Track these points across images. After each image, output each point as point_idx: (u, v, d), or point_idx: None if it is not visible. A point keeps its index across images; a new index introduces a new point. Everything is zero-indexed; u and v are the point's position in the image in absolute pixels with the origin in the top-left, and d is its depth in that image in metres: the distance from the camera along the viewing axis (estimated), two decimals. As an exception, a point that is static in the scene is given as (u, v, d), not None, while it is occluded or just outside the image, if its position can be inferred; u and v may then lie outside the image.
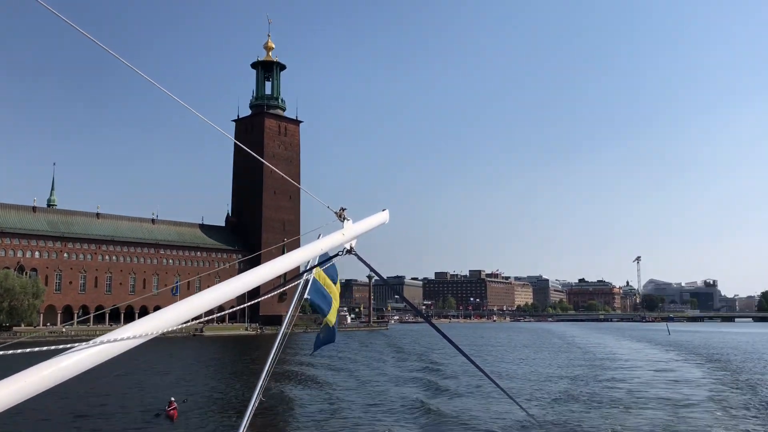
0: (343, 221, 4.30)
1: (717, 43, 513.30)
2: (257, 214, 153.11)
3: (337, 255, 4.36)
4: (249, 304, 4.20)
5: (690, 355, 69.85)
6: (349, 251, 4.35)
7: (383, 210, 4.83)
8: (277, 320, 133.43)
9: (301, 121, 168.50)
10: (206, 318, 3.32)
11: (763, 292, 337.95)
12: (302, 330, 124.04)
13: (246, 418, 3.96)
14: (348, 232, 4.25)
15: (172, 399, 31.45)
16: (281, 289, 4.21)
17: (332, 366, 56.15)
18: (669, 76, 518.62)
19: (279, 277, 3.84)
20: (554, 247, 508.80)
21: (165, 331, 2.87)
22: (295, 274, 4.50)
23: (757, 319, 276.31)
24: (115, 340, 2.63)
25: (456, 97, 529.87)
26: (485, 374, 4.87)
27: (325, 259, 4.36)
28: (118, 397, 36.51)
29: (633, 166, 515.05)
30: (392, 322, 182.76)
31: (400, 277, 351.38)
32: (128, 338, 2.68)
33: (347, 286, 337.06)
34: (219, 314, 5.06)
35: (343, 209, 4.35)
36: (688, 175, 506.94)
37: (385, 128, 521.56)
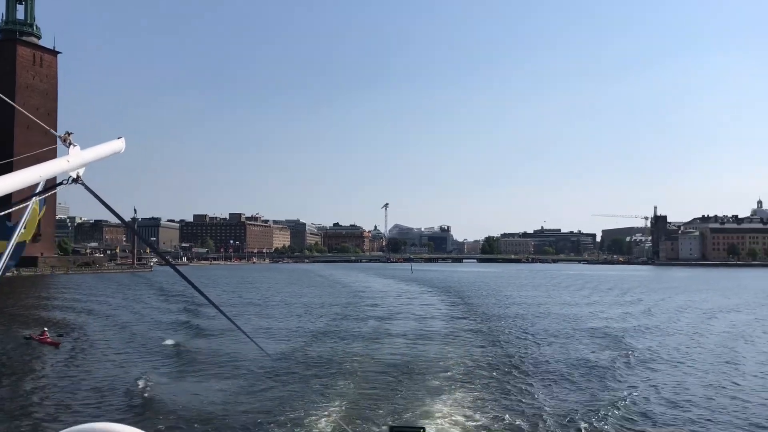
0: (68, 146, 3.81)
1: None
2: (7, 151, 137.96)
3: (61, 183, 3.84)
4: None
5: (430, 288, 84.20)
6: (75, 180, 3.83)
7: (119, 138, 4.40)
8: (31, 261, 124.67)
9: (59, 52, 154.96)
10: None
11: (486, 237, 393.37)
12: (63, 272, 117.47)
13: None
14: (74, 159, 3.78)
15: (45, 329, 32.77)
16: None
17: (89, 310, 53.49)
18: (435, 27, 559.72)
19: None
20: (311, 193, 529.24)
21: None
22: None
23: (480, 260, 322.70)
24: None
25: (225, 29, 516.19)
26: (223, 314, 4.64)
27: (49, 186, 3.87)
28: None
29: (383, 119, 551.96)
30: (151, 264, 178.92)
31: (156, 218, 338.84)
32: None
33: (96, 227, 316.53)
34: None
35: (68, 133, 3.84)
36: (432, 132, 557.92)
37: (148, 59, 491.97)
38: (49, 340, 31.80)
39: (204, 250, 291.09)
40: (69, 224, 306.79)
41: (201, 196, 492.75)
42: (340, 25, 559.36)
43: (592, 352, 30.94)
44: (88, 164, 3.89)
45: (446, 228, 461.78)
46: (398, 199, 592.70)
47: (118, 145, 4.29)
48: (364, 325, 41.71)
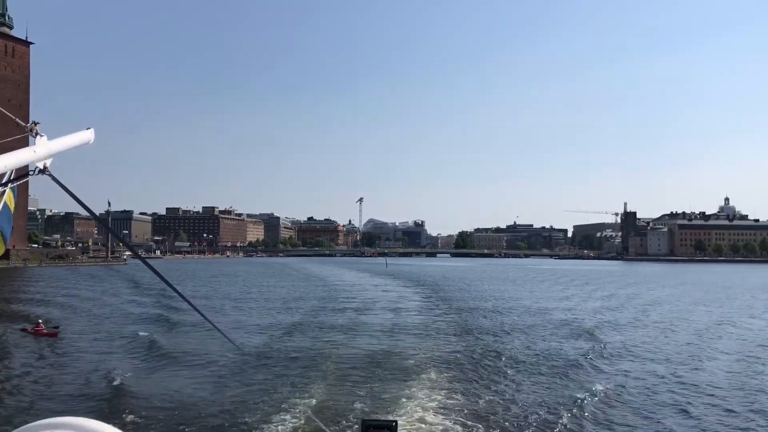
0: (35, 137, 3.73)
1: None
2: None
3: (27, 174, 3.77)
4: None
5: (405, 282, 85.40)
6: (42, 171, 3.72)
7: (87, 129, 4.30)
8: (3, 254, 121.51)
9: (32, 43, 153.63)
10: None
11: (459, 232, 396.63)
12: (36, 264, 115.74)
13: None
14: (41, 150, 3.69)
15: (40, 321, 33.15)
16: None
17: (66, 303, 53.11)
18: (410, 25, 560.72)
19: None
20: (285, 187, 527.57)
21: None
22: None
23: (454, 255, 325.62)
24: None
25: (201, 21, 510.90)
26: (195, 308, 4.55)
27: (15, 177, 3.78)
28: None
29: (358, 114, 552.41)
30: (125, 257, 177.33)
31: (128, 211, 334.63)
32: None
33: (67, 219, 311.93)
34: None
35: (35, 123, 3.78)
36: (407, 128, 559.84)
37: (123, 51, 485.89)
38: (45, 331, 32.07)
39: (186, 243, 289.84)
40: (39, 216, 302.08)
41: (174, 189, 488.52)
42: (318, 22, 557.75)
43: (563, 344, 31.97)
44: (56, 155, 3.83)
45: (420, 223, 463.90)
46: (373, 193, 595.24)
47: (86, 135, 4.24)
48: (340, 318, 42.16)
